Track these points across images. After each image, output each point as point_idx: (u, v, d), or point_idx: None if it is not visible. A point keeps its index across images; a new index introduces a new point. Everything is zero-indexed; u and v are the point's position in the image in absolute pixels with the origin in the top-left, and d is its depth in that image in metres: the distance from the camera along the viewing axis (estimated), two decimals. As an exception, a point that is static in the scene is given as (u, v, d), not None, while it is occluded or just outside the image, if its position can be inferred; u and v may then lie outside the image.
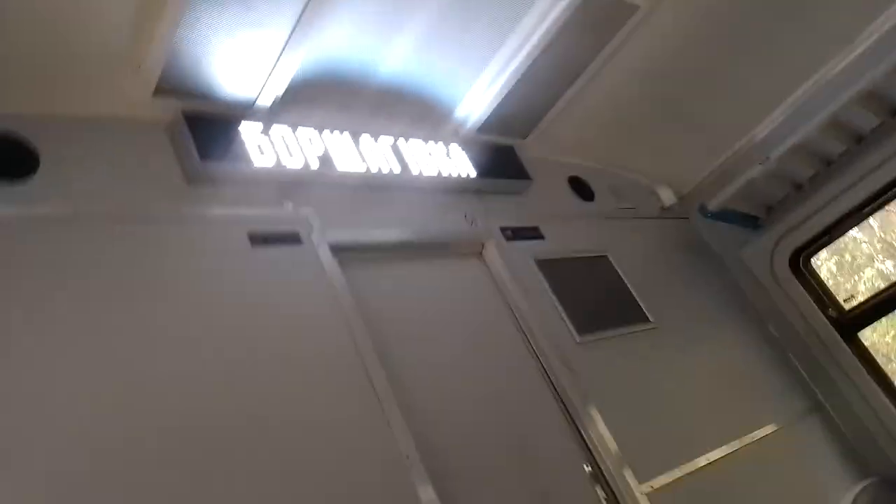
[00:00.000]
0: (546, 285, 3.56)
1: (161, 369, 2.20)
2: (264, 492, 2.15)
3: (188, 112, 2.76)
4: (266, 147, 2.88)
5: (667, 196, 4.75)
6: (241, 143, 2.82)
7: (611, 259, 4.04)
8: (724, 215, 4.37)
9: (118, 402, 2.07)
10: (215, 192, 2.73)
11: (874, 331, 7.58)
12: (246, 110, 2.93)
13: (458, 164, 3.58)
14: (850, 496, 3.73)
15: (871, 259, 8.49)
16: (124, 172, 2.57)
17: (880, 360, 4.63)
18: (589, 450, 3.13)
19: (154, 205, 2.57)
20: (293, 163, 2.93)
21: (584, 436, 3.15)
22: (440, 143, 3.57)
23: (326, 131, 3.12)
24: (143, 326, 2.25)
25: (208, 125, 2.78)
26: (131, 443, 2.02)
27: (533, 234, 3.81)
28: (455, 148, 3.62)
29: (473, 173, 3.63)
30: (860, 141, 4.13)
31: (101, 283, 2.27)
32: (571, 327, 3.47)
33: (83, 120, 2.58)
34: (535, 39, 3.34)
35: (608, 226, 4.32)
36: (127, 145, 2.65)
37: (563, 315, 3.49)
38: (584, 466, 3.07)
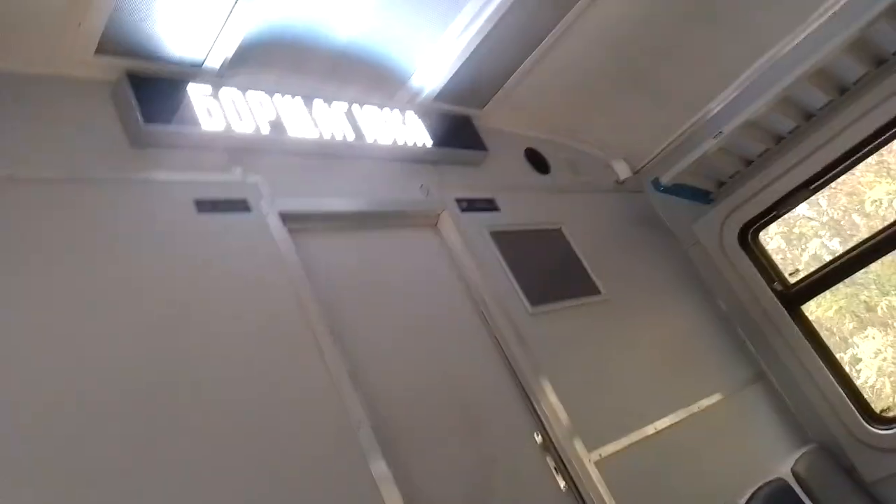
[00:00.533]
0: (500, 257, 3.57)
1: (102, 335, 2.14)
2: (210, 464, 2.12)
3: (132, 72, 2.65)
4: (215, 110, 2.79)
5: (622, 170, 4.78)
6: (189, 105, 2.73)
7: (564, 232, 4.06)
8: (676, 189, 4.42)
9: (58, 366, 2.02)
10: (160, 155, 2.64)
11: (819, 305, 7.86)
12: (194, 71, 2.83)
13: (414, 133, 3.54)
14: (790, 461, 3.86)
15: (818, 235, 8.76)
16: (65, 134, 2.47)
17: (824, 333, 4.80)
18: (540, 419, 3.16)
19: (96, 168, 2.47)
20: (243, 127, 2.85)
21: (535, 406, 3.18)
22: (396, 111, 3.52)
23: (278, 95, 3.04)
24: (84, 292, 2.19)
25: (154, 86, 2.68)
26: (73, 407, 1.98)
27: (488, 205, 3.80)
28: (411, 116, 3.57)
29: (429, 143, 3.59)
30: (810, 118, 4.21)
31: (41, 248, 2.19)
32: (524, 298, 3.49)
33: (22, 79, 2.47)
34: (493, 6, 3.29)
35: (563, 199, 4.34)
36: (68, 106, 2.55)
37: (516, 286, 3.50)
38: (535, 436, 3.11)
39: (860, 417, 4.10)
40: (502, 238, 3.65)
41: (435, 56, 3.50)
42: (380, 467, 2.43)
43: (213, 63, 2.85)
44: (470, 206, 3.67)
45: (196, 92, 2.78)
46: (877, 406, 4.19)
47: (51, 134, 2.43)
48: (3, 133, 2.31)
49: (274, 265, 2.68)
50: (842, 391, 4.19)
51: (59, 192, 2.34)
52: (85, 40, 2.52)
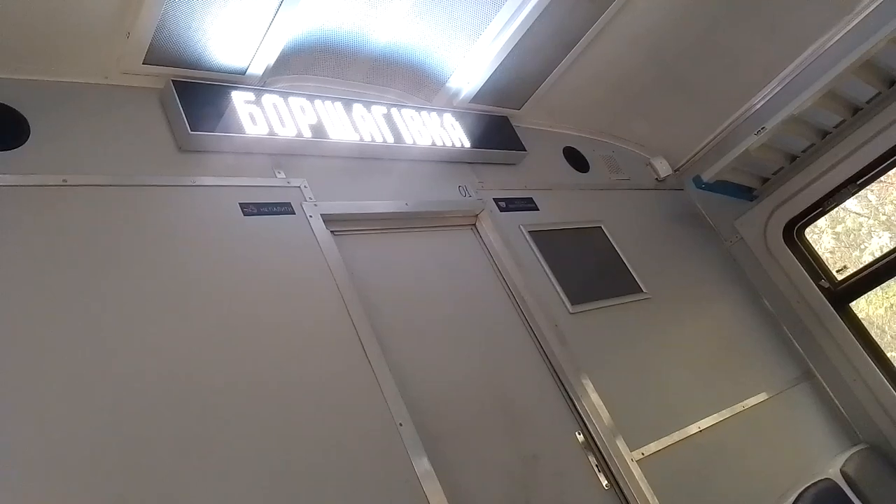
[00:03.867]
0: (539, 256, 3.57)
1: (153, 337, 2.21)
2: (258, 462, 2.17)
3: (178, 80, 2.74)
4: (258, 116, 2.86)
5: (662, 167, 4.73)
6: (233, 111, 2.81)
7: (604, 230, 4.04)
8: (718, 186, 4.36)
9: (110, 369, 2.08)
10: (206, 161, 2.72)
11: (869, 303, 7.63)
12: (237, 79, 2.91)
13: (452, 134, 3.57)
14: (839, 463, 3.77)
15: (869, 232, 8.50)
16: (115, 141, 2.56)
17: (874, 332, 4.67)
18: (581, 418, 3.16)
19: (145, 174, 2.55)
20: (285, 132, 2.91)
21: (577, 404, 3.18)
22: (434, 113, 3.55)
23: (318, 100, 3.10)
24: (134, 295, 2.25)
25: (199, 93, 2.77)
26: (125, 409, 2.04)
27: (527, 205, 3.81)
28: (449, 118, 3.60)
29: (467, 143, 3.61)
30: (856, 112, 4.11)
31: (92, 252, 2.26)
32: (564, 298, 3.48)
33: (74, 88, 2.57)
34: (529, 7, 3.29)
35: (603, 197, 4.32)
36: (117, 114, 2.63)
37: (556, 286, 3.50)
38: (577, 434, 3.11)
39: (912, 418, 3.99)
40: (542, 237, 3.65)
41: (472, 58, 3.52)
42: (423, 464, 2.46)
43: (256, 70, 2.92)
44: (509, 205, 3.68)
45: (240, 99, 2.85)
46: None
47: (101, 141, 2.52)
48: (55, 140, 2.40)
49: (318, 266, 2.73)
50: (892, 390, 4.08)
51: (110, 197, 2.42)
52: (134, 50, 2.62)
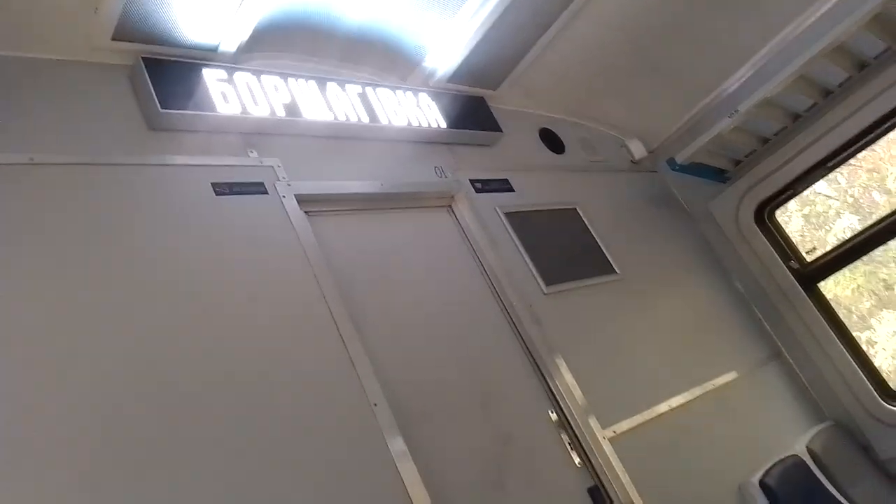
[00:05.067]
0: (515, 237, 3.58)
1: (122, 318, 2.18)
2: (231, 444, 2.17)
3: (149, 57, 2.69)
4: (230, 94, 2.82)
5: (637, 149, 4.77)
6: (205, 89, 2.76)
7: (579, 211, 4.07)
8: (692, 168, 4.41)
9: (79, 347, 2.06)
10: (178, 139, 2.67)
11: (837, 283, 7.79)
12: (209, 56, 2.86)
13: (428, 114, 3.55)
14: (805, 440, 3.87)
15: (838, 213, 8.66)
16: (83, 119, 2.51)
17: (841, 312, 4.77)
18: (555, 397, 3.20)
19: (115, 152, 2.51)
20: (258, 111, 2.87)
21: (550, 384, 3.21)
22: (409, 93, 3.53)
23: (292, 79, 3.06)
24: (104, 275, 2.23)
25: (170, 71, 2.72)
26: (90, 388, 2.02)
27: (503, 186, 3.81)
28: (425, 97, 3.58)
29: (444, 124, 3.60)
30: (827, 95, 4.16)
31: (60, 232, 2.23)
32: (539, 278, 3.51)
33: (40, 64, 2.51)
34: (505, -14, 3.28)
35: (578, 178, 4.34)
36: (86, 91, 2.58)
37: (531, 266, 3.52)
38: (550, 413, 3.14)
39: (876, 395, 4.10)
40: (517, 218, 3.66)
41: (448, 37, 3.50)
42: (397, 444, 2.47)
43: (228, 47, 2.87)
44: (484, 186, 3.69)
45: (211, 76, 2.81)
46: (893, 384, 4.17)
47: (69, 118, 2.48)
48: (22, 118, 2.35)
49: (291, 247, 2.71)
50: (858, 369, 4.18)
51: (79, 176, 2.38)
52: (102, 26, 2.56)
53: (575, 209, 4.07)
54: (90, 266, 2.22)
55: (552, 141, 4.39)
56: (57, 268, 2.16)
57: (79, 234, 2.26)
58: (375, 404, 2.52)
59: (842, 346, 4.25)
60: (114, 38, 2.61)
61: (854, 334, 4.42)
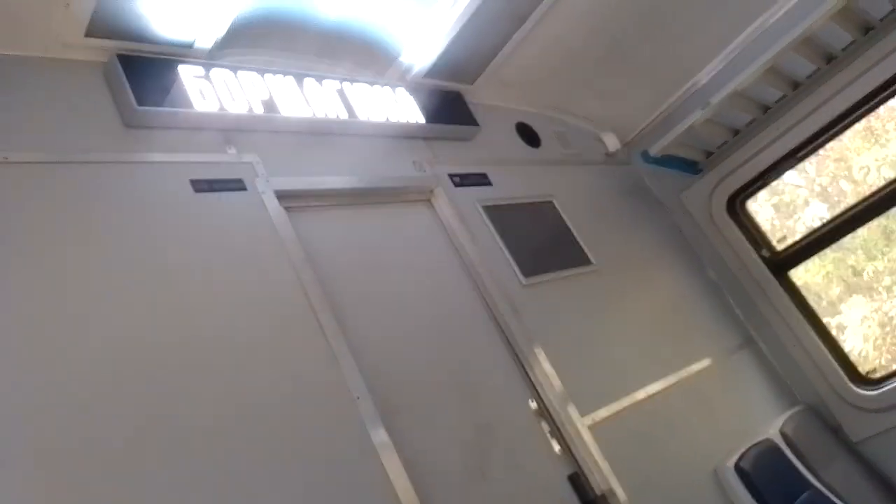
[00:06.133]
0: (493, 230, 3.62)
1: (100, 316, 2.18)
2: (212, 439, 2.18)
3: (123, 54, 2.67)
4: (207, 91, 2.81)
5: (611, 142, 4.83)
6: (181, 86, 2.75)
7: (556, 204, 4.12)
8: (665, 161, 4.47)
9: (54, 349, 2.05)
10: (155, 137, 2.66)
11: (807, 271, 7.94)
12: (185, 52, 2.85)
13: (406, 109, 3.56)
14: (778, 424, 3.97)
15: (807, 202, 8.81)
16: (58, 117, 2.49)
17: (812, 298, 4.88)
18: (534, 386, 3.24)
19: (90, 150, 2.49)
20: (236, 107, 2.87)
21: (529, 374, 3.26)
22: (387, 88, 3.54)
23: (269, 75, 3.05)
24: (82, 275, 2.22)
25: (145, 67, 2.70)
26: (72, 387, 2.02)
27: (480, 180, 3.84)
28: (402, 92, 3.60)
29: (421, 119, 3.62)
30: (797, 87, 4.25)
31: (37, 232, 2.21)
32: (517, 270, 3.55)
33: (12, 61, 2.47)
34: (480, -19, 3.31)
35: (554, 172, 4.38)
36: (60, 88, 2.56)
37: (510, 259, 3.56)
38: (530, 402, 3.19)
39: (846, 379, 4.20)
40: (495, 212, 3.70)
41: (424, 32, 3.52)
42: (380, 436, 2.50)
43: (204, 43, 2.86)
44: (463, 180, 3.71)
45: (187, 73, 2.79)
46: (863, 369, 4.29)
47: (44, 117, 2.45)
48: (-5, 116, 2.32)
49: (271, 243, 2.72)
50: (828, 354, 4.28)
51: (55, 175, 2.35)
52: (74, 22, 2.53)
53: (552, 202, 4.12)
54: (67, 266, 2.21)
55: (528, 135, 4.43)
56: (32, 268, 2.14)
57: (56, 233, 2.24)
58: (358, 397, 2.54)
59: (813, 332, 4.35)
60: (87, 35, 2.58)
61: (825, 320, 4.53)
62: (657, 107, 4.74)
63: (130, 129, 2.63)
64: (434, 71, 3.73)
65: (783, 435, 3.89)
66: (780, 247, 4.55)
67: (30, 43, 2.52)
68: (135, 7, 2.61)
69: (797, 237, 4.56)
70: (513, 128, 4.38)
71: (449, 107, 3.88)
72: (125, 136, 2.61)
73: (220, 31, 2.86)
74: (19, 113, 2.40)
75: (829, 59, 4.12)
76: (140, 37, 2.70)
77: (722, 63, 4.39)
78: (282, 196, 2.87)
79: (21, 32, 2.48)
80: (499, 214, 3.71)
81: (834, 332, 4.59)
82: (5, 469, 1.81)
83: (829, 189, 8.66)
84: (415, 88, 3.69)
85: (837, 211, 4.59)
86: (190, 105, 2.74)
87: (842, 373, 4.23)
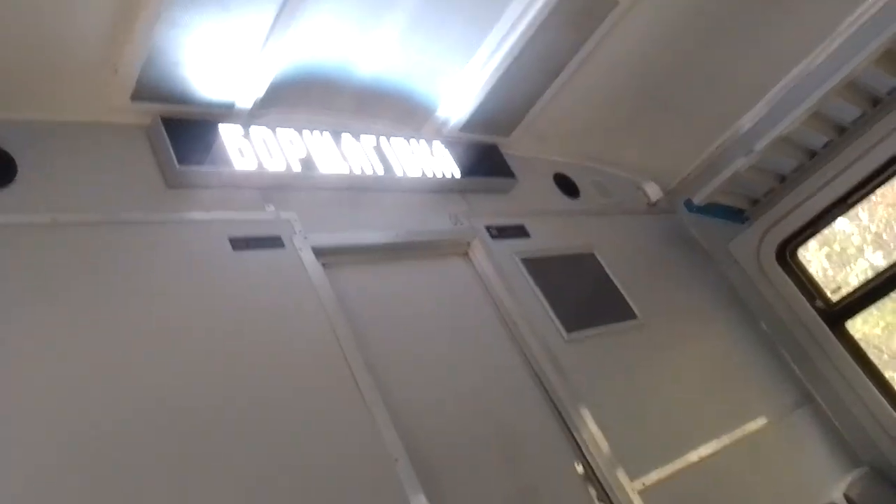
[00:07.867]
0: (532, 283, 3.54)
1: (144, 373, 2.18)
2: (249, 499, 2.13)
3: (166, 116, 2.73)
4: (246, 149, 2.85)
5: (653, 191, 4.75)
6: (221, 145, 2.80)
7: (597, 256, 4.03)
8: (709, 209, 4.38)
9: (101, 405, 2.06)
10: (195, 196, 2.70)
11: (865, 322, 7.62)
12: (226, 112, 2.90)
13: (442, 164, 3.57)
14: (842, 487, 3.73)
15: (861, 250, 8.53)
16: (103, 178, 2.55)
17: (871, 351, 4.66)
18: (580, 448, 3.11)
19: (134, 210, 2.54)
20: (274, 165, 2.90)
21: (575, 434, 3.13)
22: (423, 142, 3.55)
23: (307, 132, 3.09)
24: (126, 332, 2.23)
25: (187, 128, 2.76)
26: (114, 445, 2.01)
27: (518, 232, 3.80)
28: (438, 147, 3.61)
29: (458, 173, 3.61)
30: (842, 132, 4.15)
31: (83, 290, 2.25)
32: (559, 325, 3.46)
33: (61, 126, 2.56)
34: (515, 35, 3.33)
35: (594, 222, 4.32)
36: (106, 151, 2.63)
37: (551, 313, 3.47)
38: (576, 465, 3.06)
39: (913, 437, 3.96)
40: (534, 264, 3.63)
41: (460, 87, 3.54)
42: (419, 501, 2.41)
43: (244, 104, 2.92)
44: (500, 233, 3.67)
45: (228, 132, 2.85)
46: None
47: (90, 179, 2.51)
48: (43, 179, 2.39)
49: (309, 299, 2.70)
50: (892, 410, 4.05)
51: (100, 235, 2.40)
52: (121, 87, 2.61)
53: (593, 253, 4.04)
54: (112, 323, 2.23)
55: (567, 185, 4.39)
56: (79, 325, 2.17)
57: (100, 291, 2.28)
58: (397, 459, 2.46)
59: (873, 388, 4.14)
60: (132, 99, 2.66)
61: (886, 374, 4.29)
62: (699, 154, 4.67)
63: (172, 189, 2.68)
64: (470, 124, 3.74)
65: (847, 499, 3.67)
66: (834, 297, 4.37)
67: (78, 108, 2.61)
68: (178, 70, 2.68)
69: (852, 287, 4.36)
70: (550, 179, 4.35)
71: (485, 159, 3.87)
72: (167, 196, 2.66)
73: (260, 92, 2.91)
74: (66, 176, 2.46)
75: (875, 102, 4.02)
76: (182, 99, 2.77)
77: (764, 108, 4.32)
78: (319, 252, 2.86)
79: (70, 98, 2.58)
80: (538, 267, 3.64)
81: (897, 387, 4.34)
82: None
83: (884, 236, 8.36)
84: (451, 142, 3.69)
85: (894, 258, 4.39)
86: (230, 164, 2.78)
87: (908, 430, 3.99)
